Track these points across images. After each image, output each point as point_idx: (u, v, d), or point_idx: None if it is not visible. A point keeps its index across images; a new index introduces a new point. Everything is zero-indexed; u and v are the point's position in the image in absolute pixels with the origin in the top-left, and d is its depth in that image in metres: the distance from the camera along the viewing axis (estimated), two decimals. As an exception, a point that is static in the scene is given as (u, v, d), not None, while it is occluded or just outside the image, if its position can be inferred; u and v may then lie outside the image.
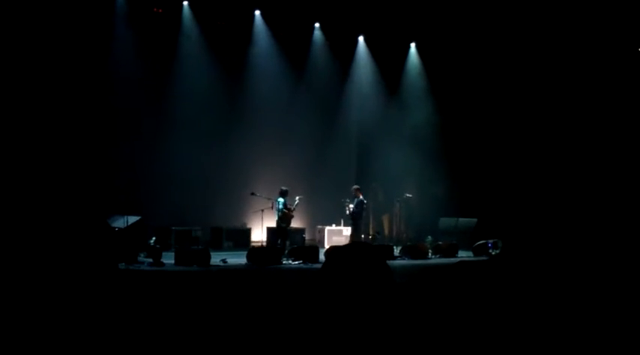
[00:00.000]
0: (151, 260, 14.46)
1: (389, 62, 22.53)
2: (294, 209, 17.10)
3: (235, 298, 9.55)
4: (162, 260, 14.43)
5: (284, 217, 16.72)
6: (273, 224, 17.71)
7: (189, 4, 19.61)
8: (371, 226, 22.49)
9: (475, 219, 20.31)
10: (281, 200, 16.69)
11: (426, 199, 21.96)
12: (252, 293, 10.23)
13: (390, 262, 13.95)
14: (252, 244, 18.79)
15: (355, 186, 18.20)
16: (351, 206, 17.71)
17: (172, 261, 14.65)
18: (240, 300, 9.24)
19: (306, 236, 20.47)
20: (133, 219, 15.22)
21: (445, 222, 20.54)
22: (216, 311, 8.03)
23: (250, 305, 8.68)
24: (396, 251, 17.86)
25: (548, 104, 20.86)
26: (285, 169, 20.62)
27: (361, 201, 17.79)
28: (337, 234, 20.42)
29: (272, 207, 17.05)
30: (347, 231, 19.92)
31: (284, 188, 16.92)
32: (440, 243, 18.63)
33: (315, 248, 16.52)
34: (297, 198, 17.32)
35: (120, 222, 15.14)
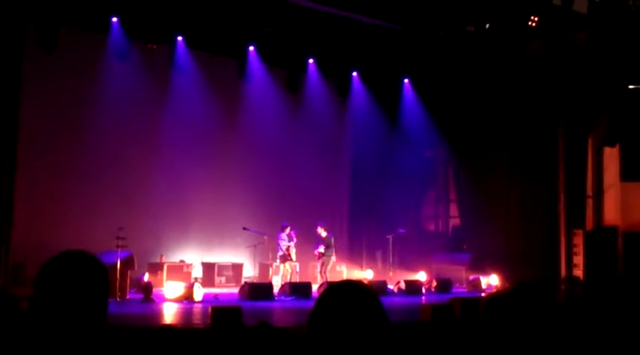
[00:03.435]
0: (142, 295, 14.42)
1: (384, 97, 22.59)
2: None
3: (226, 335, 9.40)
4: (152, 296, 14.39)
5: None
6: (265, 260, 17.63)
7: (184, 40, 19.63)
8: (363, 262, 22.35)
9: (469, 255, 20.21)
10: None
11: (419, 234, 21.87)
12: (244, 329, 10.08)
13: (384, 298, 13.84)
14: (244, 280, 18.68)
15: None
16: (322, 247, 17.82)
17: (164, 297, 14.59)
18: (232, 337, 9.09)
19: (299, 272, 20.35)
20: (123, 255, 15.09)
21: (438, 257, 20.44)
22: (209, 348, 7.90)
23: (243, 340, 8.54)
24: (390, 287, 17.80)
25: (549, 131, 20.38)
26: (277, 205, 20.55)
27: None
28: (331, 271, 20.25)
29: (289, 242, 17.47)
30: (340, 266, 19.82)
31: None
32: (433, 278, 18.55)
33: (307, 284, 16.60)
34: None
35: (111, 258, 14.99)
